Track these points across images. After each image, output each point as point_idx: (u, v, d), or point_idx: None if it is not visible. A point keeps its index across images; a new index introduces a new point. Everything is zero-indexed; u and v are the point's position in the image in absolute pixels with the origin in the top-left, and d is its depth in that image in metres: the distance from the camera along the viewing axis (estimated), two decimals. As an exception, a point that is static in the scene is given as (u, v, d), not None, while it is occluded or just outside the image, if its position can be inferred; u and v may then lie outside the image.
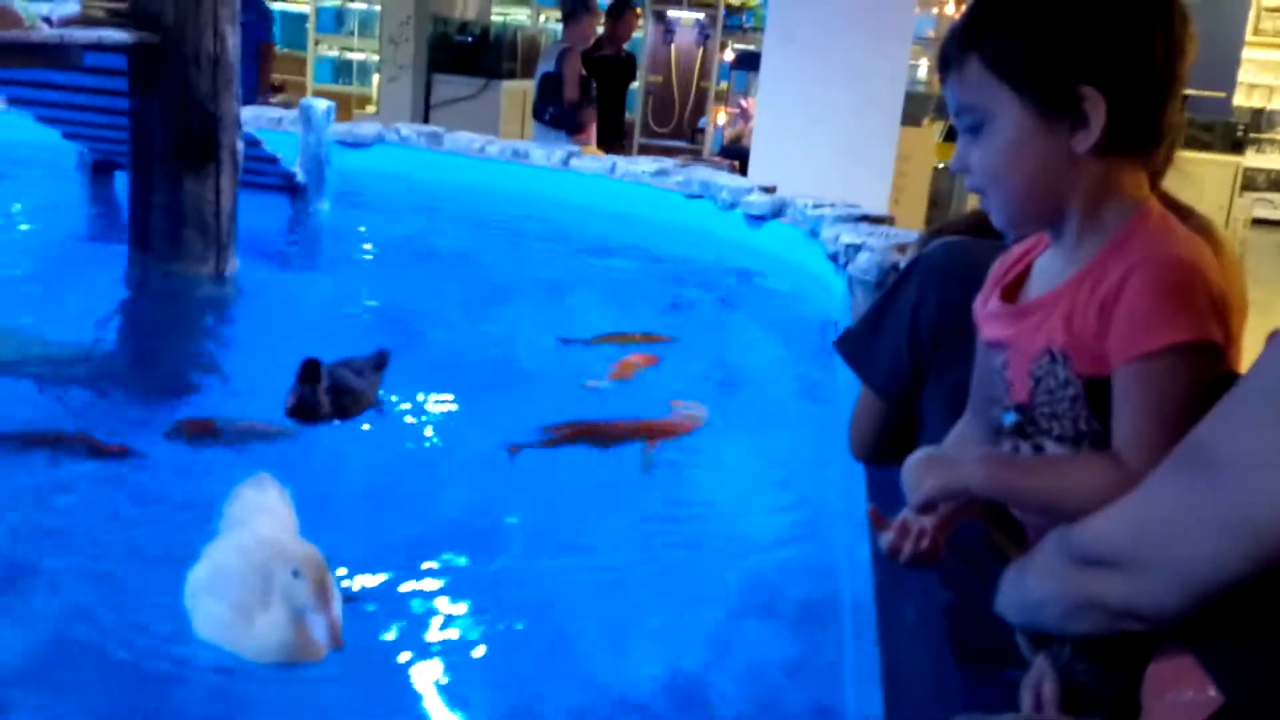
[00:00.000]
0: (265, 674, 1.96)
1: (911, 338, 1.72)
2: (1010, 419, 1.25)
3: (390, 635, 2.13)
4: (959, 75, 1.21)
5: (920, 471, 1.25)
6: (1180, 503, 1.02)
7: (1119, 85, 1.15)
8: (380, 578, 2.31)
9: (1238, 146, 14.20)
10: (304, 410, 3.02)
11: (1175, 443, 1.06)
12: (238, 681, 1.95)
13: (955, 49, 1.21)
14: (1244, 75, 13.89)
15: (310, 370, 3.03)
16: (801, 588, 2.35)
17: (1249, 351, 1.12)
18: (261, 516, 2.20)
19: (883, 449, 1.81)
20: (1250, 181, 14.18)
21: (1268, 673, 1.00)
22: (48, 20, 3.76)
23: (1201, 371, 1.11)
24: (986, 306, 1.30)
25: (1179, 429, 1.08)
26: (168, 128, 4.19)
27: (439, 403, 3.39)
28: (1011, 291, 1.28)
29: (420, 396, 3.38)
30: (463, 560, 2.44)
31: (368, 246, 5.63)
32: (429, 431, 3.25)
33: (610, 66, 7.76)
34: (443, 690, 1.98)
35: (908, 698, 1.30)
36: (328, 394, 3.04)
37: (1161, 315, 1.11)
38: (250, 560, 2.00)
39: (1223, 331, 1.12)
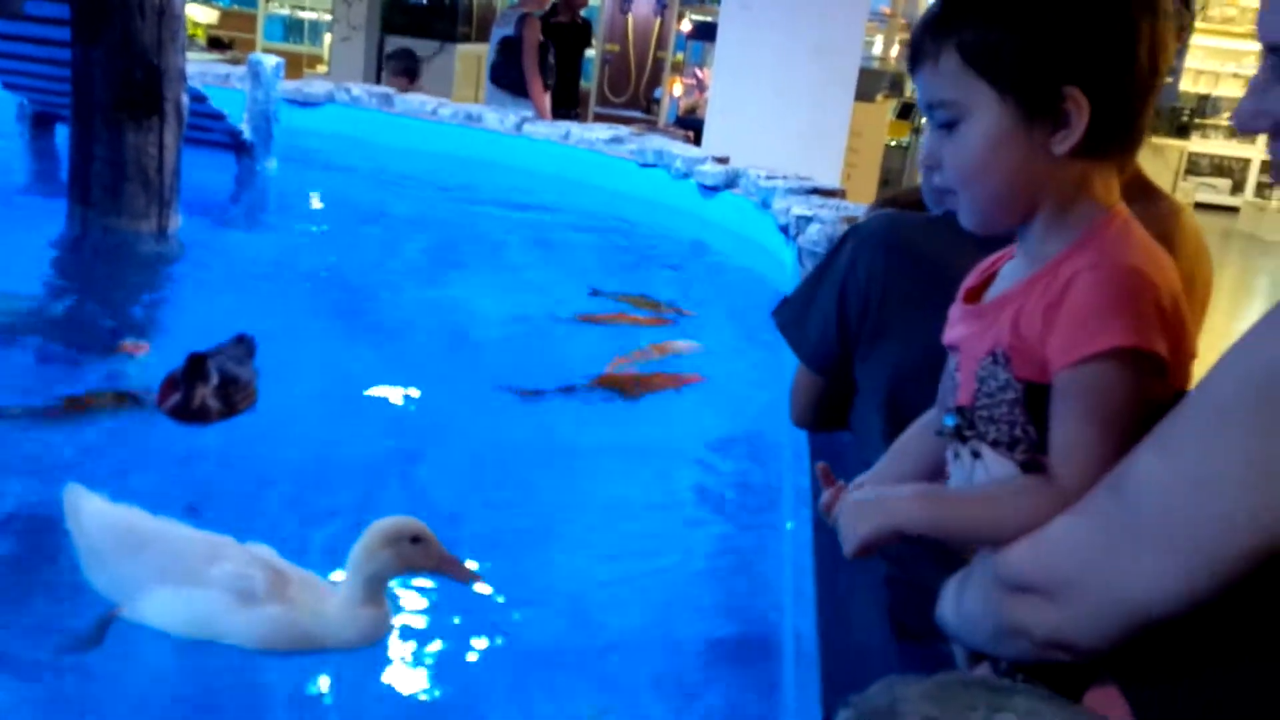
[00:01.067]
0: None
1: (840, 308, 1.70)
2: (950, 421, 1.23)
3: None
4: (933, 67, 1.15)
5: (852, 518, 1.22)
6: (1110, 527, 0.98)
7: (1104, 86, 1.10)
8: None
9: (1182, 131, 14.38)
10: (191, 413, 2.70)
11: (1111, 455, 1.03)
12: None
13: (929, 39, 1.15)
14: (1190, 61, 14.07)
15: (196, 367, 2.71)
16: (745, 550, 2.35)
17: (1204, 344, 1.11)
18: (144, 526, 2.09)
19: (821, 416, 1.81)
20: (1194, 166, 14.41)
21: (1187, 713, 0.99)
22: (-14, -35, 3.65)
23: (1141, 382, 1.05)
24: (952, 310, 1.27)
25: (1115, 441, 1.04)
26: (110, 79, 4.09)
27: (383, 365, 3.36)
28: (977, 294, 1.24)
29: (364, 358, 3.35)
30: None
31: (315, 207, 5.56)
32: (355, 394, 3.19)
33: (566, 32, 7.68)
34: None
35: (844, 661, 1.30)
36: (217, 391, 2.74)
37: (1103, 319, 1.07)
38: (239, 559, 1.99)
39: (1170, 346, 1.07)
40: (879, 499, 1.23)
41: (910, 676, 1.16)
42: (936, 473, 1.39)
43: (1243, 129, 1.02)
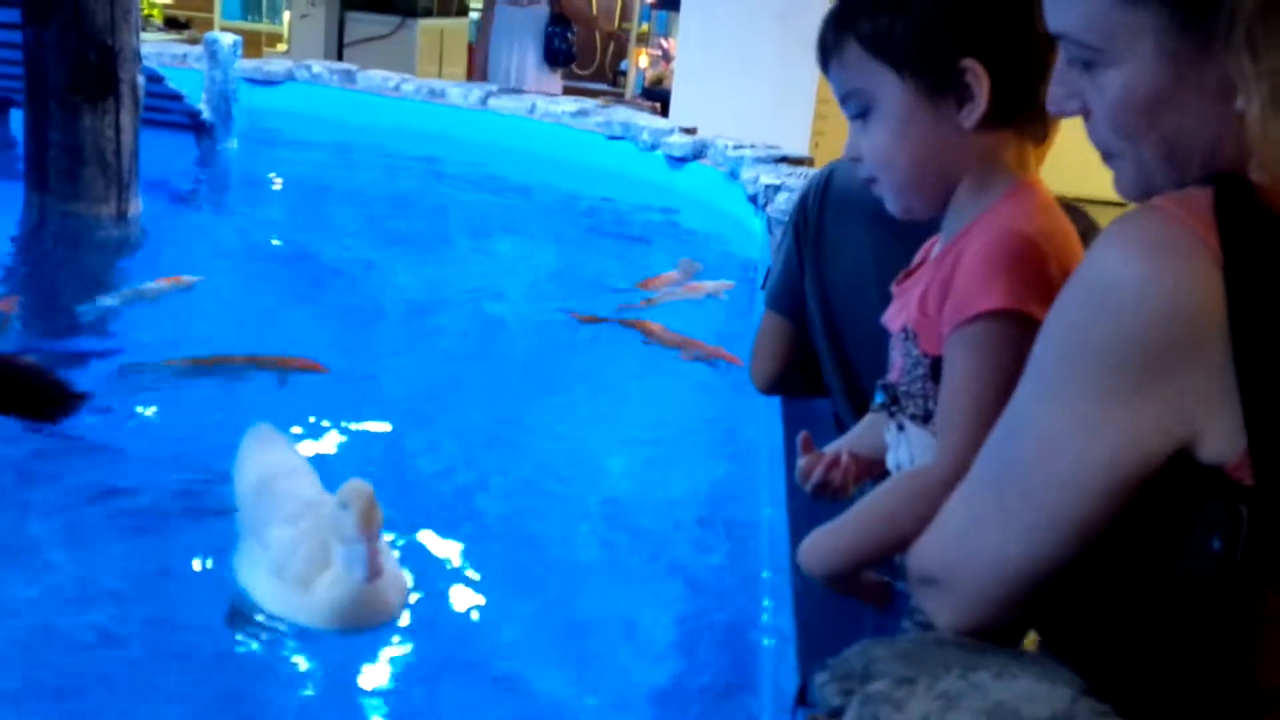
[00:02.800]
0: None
1: (796, 246, 1.74)
2: (879, 398, 1.25)
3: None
4: (838, 60, 1.17)
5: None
6: (978, 505, 0.98)
7: (1001, 55, 1.11)
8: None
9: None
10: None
11: (987, 425, 1.01)
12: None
13: (831, 34, 1.17)
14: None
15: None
16: (726, 510, 2.35)
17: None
18: (287, 476, 2.13)
19: (786, 376, 1.80)
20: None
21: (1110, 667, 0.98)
22: (-70, -55, 3.57)
23: (1017, 347, 1.01)
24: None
25: (989, 409, 1.02)
26: (63, 61, 4.02)
27: (348, 347, 3.32)
28: (910, 275, 1.24)
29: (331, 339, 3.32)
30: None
31: (277, 187, 5.49)
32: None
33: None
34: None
35: (819, 621, 1.29)
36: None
37: (984, 283, 1.07)
38: (304, 527, 1.94)
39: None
40: (799, 552, 1.23)
41: (885, 639, 1.16)
42: None
43: (1057, 113, 1.02)
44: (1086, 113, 0.98)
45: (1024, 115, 1.14)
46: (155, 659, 1.83)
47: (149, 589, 2.02)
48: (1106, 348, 0.88)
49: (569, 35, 7.33)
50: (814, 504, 1.42)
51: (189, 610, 1.96)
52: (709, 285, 4.05)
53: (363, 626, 1.89)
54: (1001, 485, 0.95)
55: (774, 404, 2.15)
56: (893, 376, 1.21)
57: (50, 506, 2.24)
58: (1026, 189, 1.14)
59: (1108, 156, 0.99)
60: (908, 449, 1.18)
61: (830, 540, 1.19)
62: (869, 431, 1.46)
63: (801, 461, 1.39)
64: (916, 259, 1.28)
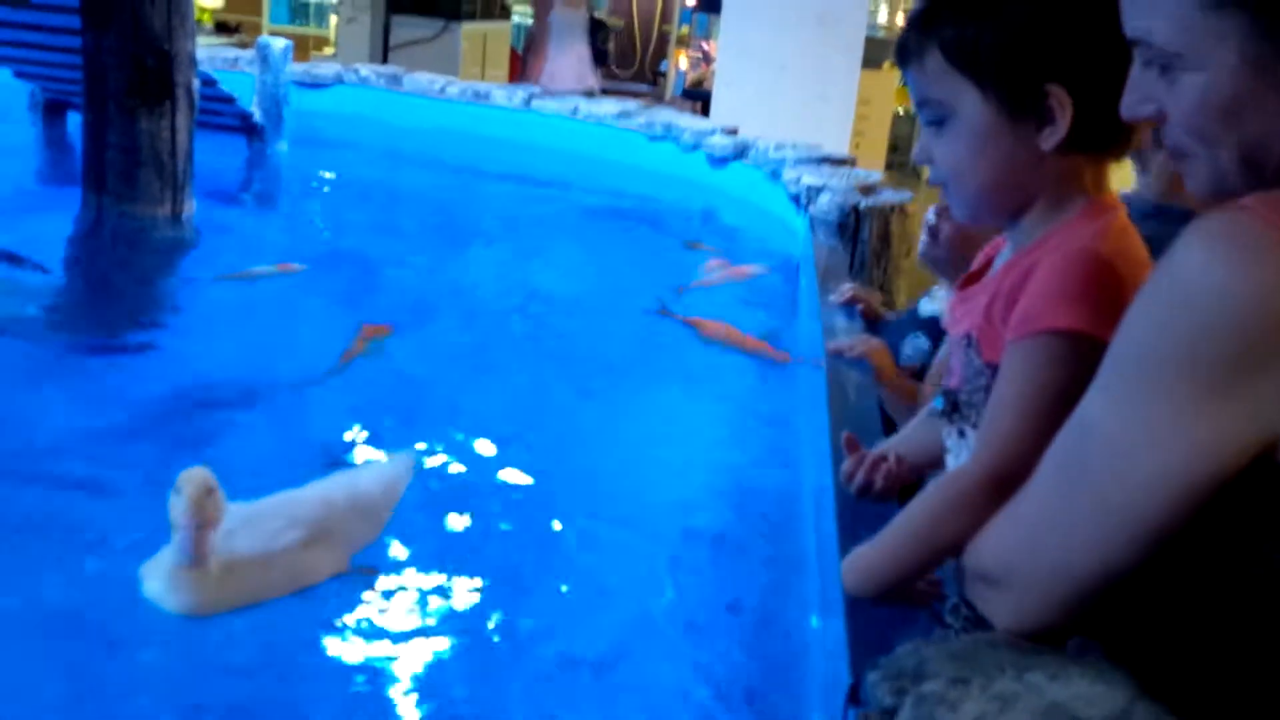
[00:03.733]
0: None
1: None
2: (939, 404, 1.26)
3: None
4: (919, 66, 1.15)
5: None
6: (1045, 504, 0.97)
7: (1087, 84, 1.09)
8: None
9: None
10: None
11: (1033, 438, 1.02)
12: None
13: (915, 38, 1.15)
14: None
15: None
16: (771, 511, 2.38)
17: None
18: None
19: None
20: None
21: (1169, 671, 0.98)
22: (-5, -45, 3.66)
23: (1078, 369, 1.01)
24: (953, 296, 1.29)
25: (1040, 425, 1.03)
26: (121, 66, 4.10)
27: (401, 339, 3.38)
28: (974, 280, 1.25)
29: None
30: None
31: (327, 188, 5.56)
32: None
33: None
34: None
35: (871, 621, 1.32)
36: None
37: (1053, 300, 1.07)
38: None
39: None
40: (843, 572, 1.24)
41: (937, 638, 1.18)
42: None
43: (1130, 117, 1.02)
44: (1162, 117, 0.98)
45: (1110, 141, 1.14)
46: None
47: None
48: (1187, 349, 0.86)
49: (608, 36, 7.61)
50: (859, 503, 1.45)
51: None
52: (750, 269, 4.20)
53: (206, 611, 1.87)
54: (1073, 486, 0.94)
55: (821, 401, 2.18)
56: (953, 383, 1.22)
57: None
58: (1103, 209, 1.14)
59: (1180, 157, 0.99)
60: (969, 455, 1.19)
61: (873, 557, 1.20)
62: (917, 433, 1.49)
63: (846, 464, 1.42)
64: (978, 261, 1.29)
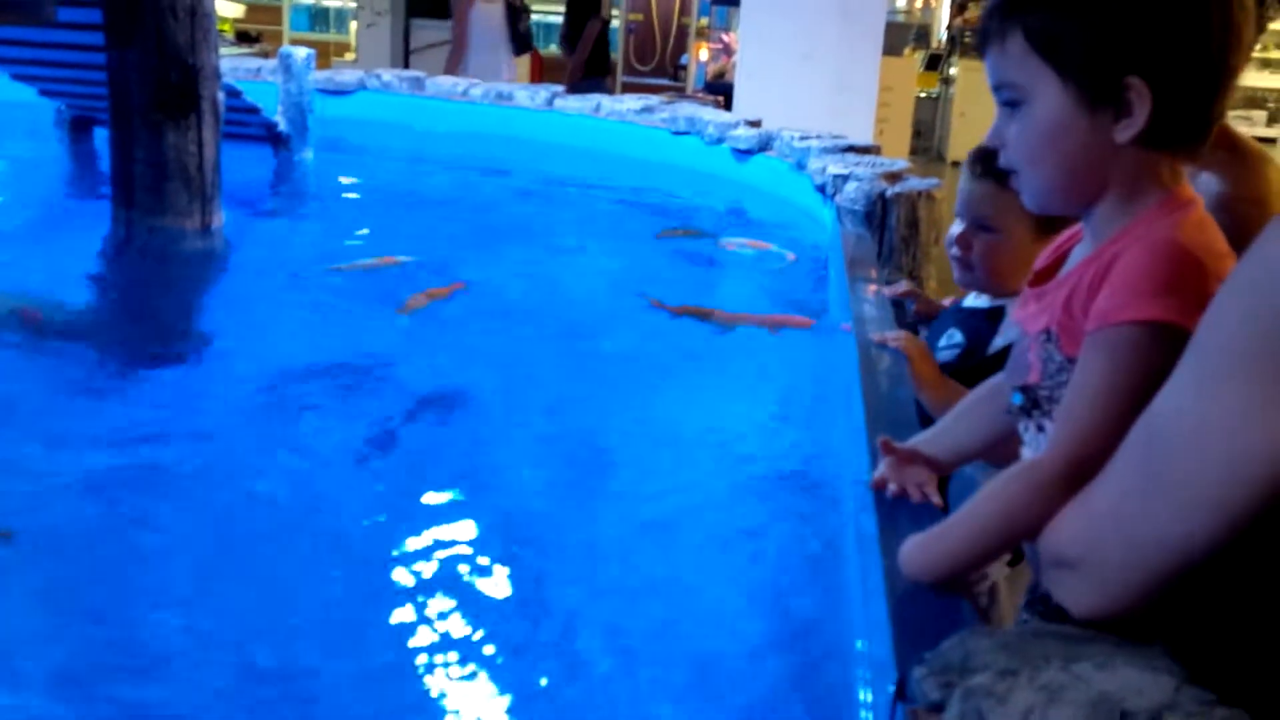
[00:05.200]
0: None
1: None
2: (1017, 399, 1.25)
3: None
4: (1000, 48, 1.15)
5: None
6: (1126, 487, 0.97)
7: (1169, 78, 1.08)
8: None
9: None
10: None
11: (1111, 428, 1.02)
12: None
13: (997, 21, 1.15)
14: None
15: None
16: (809, 511, 2.38)
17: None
18: None
19: None
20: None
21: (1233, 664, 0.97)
22: (19, -25, 3.70)
23: (1161, 360, 1.00)
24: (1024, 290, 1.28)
25: (1120, 415, 1.02)
26: (146, 80, 4.14)
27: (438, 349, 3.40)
28: (1046, 276, 1.25)
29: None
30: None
31: (354, 195, 5.60)
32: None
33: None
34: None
35: (914, 610, 1.31)
36: None
37: (1136, 290, 1.06)
38: None
39: None
40: (900, 557, 1.25)
41: (983, 629, 1.18)
42: (994, 441, 1.41)
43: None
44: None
45: (1187, 138, 1.13)
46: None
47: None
48: (1272, 338, 0.85)
49: (527, 21, 7.96)
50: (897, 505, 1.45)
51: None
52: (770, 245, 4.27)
53: None
54: (1152, 470, 0.94)
55: (855, 391, 2.17)
56: (1032, 378, 1.21)
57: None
58: (1183, 201, 1.13)
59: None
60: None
61: (940, 543, 1.20)
62: (949, 429, 1.48)
63: (879, 470, 1.43)
64: (1047, 255, 1.29)
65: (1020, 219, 1.89)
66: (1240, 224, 1.24)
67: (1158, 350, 1.04)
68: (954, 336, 2.10)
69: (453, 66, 7.59)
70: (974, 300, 2.15)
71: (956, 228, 1.99)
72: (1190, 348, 0.93)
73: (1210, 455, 0.90)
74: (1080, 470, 1.05)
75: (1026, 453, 1.27)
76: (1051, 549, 1.07)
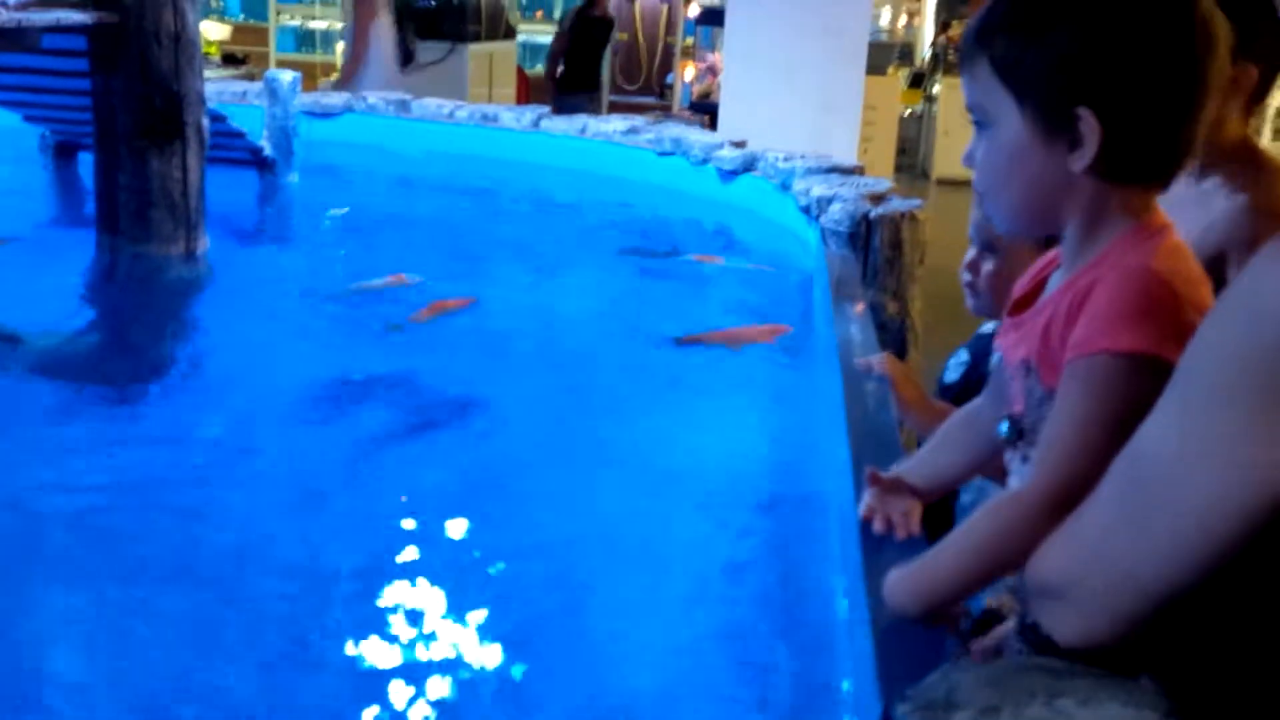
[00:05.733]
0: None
1: None
2: (1003, 430, 1.26)
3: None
4: (971, 72, 1.18)
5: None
6: (1113, 515, 0.97)
7: (1119, 113, 1.09)
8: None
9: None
10: None
11: (1091, 458, 1.03)
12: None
13: (970, 44, 1.18)
14: None
15: None
16: (794, 539, 2.38)
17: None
18: None
19: None
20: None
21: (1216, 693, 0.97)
22: (4, 4, 3.70)
23: (1140, 389, 1.01)
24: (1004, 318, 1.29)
25: (1098, 443, 1.03)
26: (131, 107, 4.14)
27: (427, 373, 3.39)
28: (1025, 304, 1.26)
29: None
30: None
31: (340, 218, 5.59)
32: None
33: (597, 26, 8.59)
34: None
35: (900, 650, 1.31)
36: None
37: (1109, 321, 1.07)
38: None
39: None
40: (884, 589, 1.25)
41: (966, 664, 1.18)
42: (974, 467, 1.41)
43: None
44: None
45: (1144, 173, 1.14)
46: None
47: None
48: (1261, 369, 0.85)
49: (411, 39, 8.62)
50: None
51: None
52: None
53: None
54: (1138, 499, 0.94)
55: (839, 421, 2.17)
56: (1016, 409, 1.22)
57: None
58: (1155, 229, 1.14)
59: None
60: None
61: (924, 575, 1.20)
62: (935, 455, 1.48)
63: (865, 502, 1.43)
64: (1025, 282, 1.29)
65: (1024, 242, 1.89)
66: (1259, 237, 1.24)
67: (1135, 379, 1.05)
68: (961, 355, 2.12)
69: (347, 79, 7.84)
70: (988, 327, 2.16)
71: (970, 253, 1.99)
72: (1175, 377, 0.93)
73: (1196, 485, 0.89)
74: (1062, 500, 1.06)
75: (1013, 481, 1.28)
76: (1037, 578, 1.07)
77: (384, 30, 7.84)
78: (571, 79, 8.57)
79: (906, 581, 1.23)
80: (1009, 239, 1.24)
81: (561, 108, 7.02)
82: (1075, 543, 1.02)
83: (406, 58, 8.37)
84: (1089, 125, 1.10)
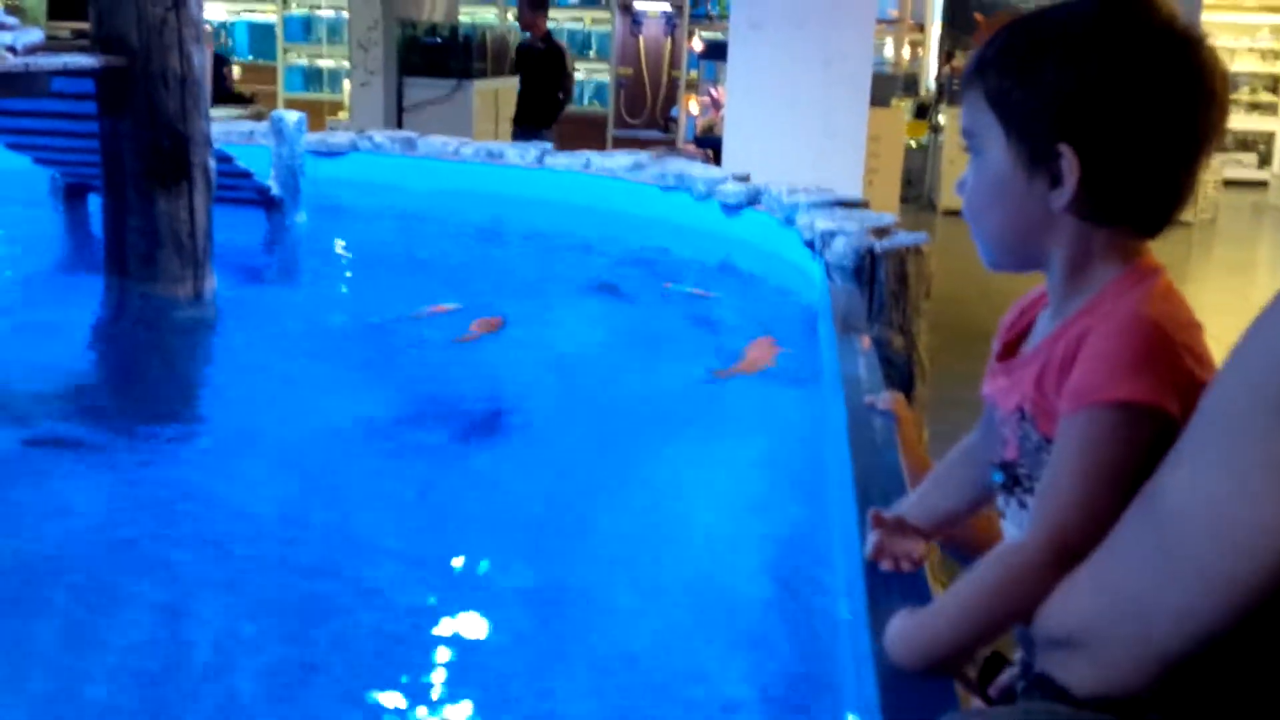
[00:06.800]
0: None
1: None
2: (997, 478, 1.25)
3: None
4: (967, 100, 1.19)
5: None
6: (1132, 566, 0.96)
7: (1100, 154, 1.09)
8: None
9: (1206, 108, 14.22)
10: None
11: (1090, 509, 1.03)
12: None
13: (970, 72, 1.19)
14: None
15: None
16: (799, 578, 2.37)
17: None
18: None
19: None
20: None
21: None
22: (12, 49, 3.74)
23: (1140, 440, 1.02)
24: (990, 359, 1.28)
25: (1100, 496, 1.03)
26: (138, 149, 4.17)
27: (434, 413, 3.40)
28: (1014, 346, 1.25)
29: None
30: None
31: (347, 257, 5.62)
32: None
33: (534, 56, 8.52)
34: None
35: (905, 690, 1.31)
36: None
37: (1106, 371, 1.06)
38: None
39: (1183, 402, 1.02)
40: (885, 642, 1.24)
41: (973, 712, 1.17)
42: (975, 504, 1.41)
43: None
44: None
45: (1125, 215, 1.13)
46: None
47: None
48: None
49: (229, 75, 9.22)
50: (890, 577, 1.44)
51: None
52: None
53: None
54: (1167, 544, 0.92)
55: (845, 461, 2.17)
56: (1009, 455, 1.21)
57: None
58: (1146, 273, 1.13)
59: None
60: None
61: (925, 631, 1.19)
62: (928, 495, 1.48)
63: (871, 543, 1.43)
64: (1011, 322, 1.28)
65: None
66: None
67: (1134, 429, 1.05)
68: None
69: None
70: None
71: None
72: (1195, 422, 0.93)
73: (1222, 530, 0.88)
74: (1066, 551, 1.05)
75: (1008, 526, 1.27)
76: (1051, 629, 1.06)
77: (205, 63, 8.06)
78: (526, 114, 8.54)
79: (906, 638, 1.22)
80: (991, 269, 1.23)
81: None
82: (1095, 591, 1.01)
83: (219, 91, 8.71)
84: (1069, 163, 1.10)
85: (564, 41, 9.55)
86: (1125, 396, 1.05)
